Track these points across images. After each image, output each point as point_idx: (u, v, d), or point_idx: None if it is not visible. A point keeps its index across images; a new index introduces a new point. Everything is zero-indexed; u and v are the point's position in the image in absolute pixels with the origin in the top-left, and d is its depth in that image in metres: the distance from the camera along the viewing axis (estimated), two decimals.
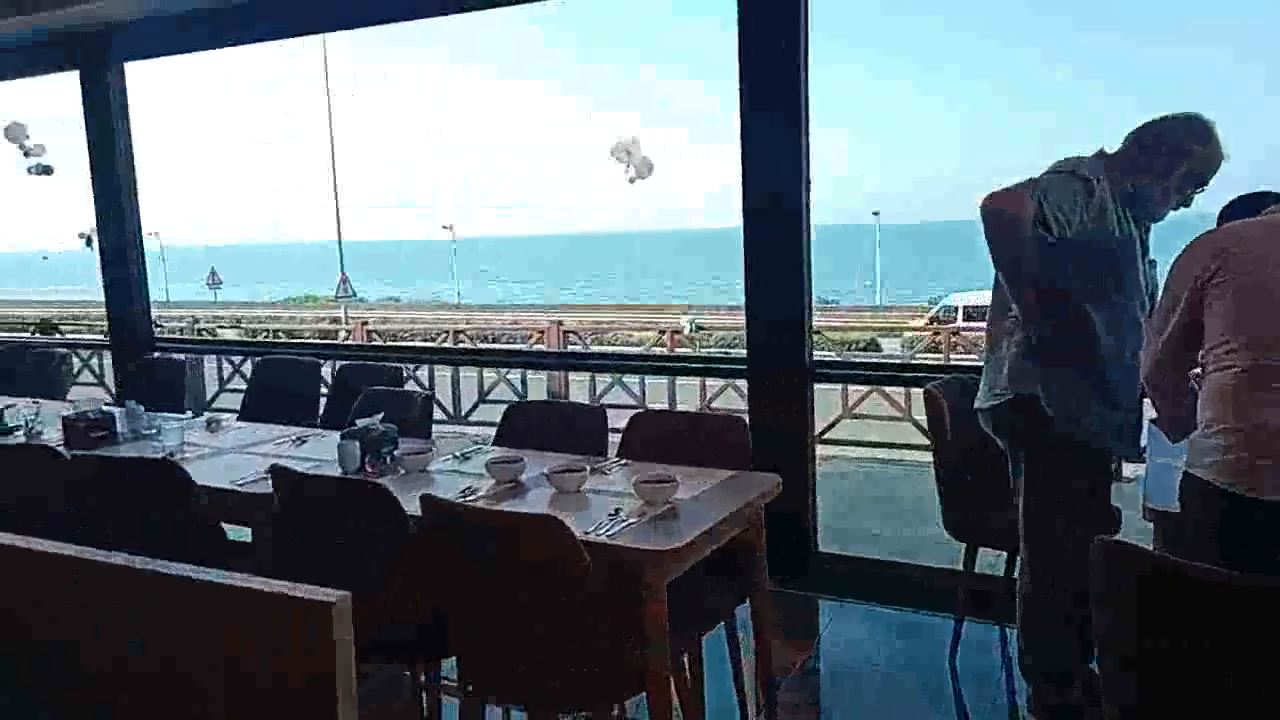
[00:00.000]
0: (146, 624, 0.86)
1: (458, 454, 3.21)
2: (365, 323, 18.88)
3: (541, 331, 12.00)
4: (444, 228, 58.20)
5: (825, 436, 8.22)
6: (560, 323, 12.74)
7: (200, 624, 0.80)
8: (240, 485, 2.92)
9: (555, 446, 3.20)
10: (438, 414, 8.88)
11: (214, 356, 9.66)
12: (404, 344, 14.66)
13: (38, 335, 12.02)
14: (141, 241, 5.88)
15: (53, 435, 3.63)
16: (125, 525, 2.84)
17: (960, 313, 25.88)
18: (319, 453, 3.31)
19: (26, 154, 9.40)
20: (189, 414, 4.13)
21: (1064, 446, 2.65)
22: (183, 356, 4.98)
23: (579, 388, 8.91)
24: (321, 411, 4.38)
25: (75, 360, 9.94)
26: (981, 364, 2.91)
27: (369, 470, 3.04)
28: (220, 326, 27.57)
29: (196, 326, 16.19)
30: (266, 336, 19.03)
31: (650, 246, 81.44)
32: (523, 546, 2.17)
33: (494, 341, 21.35)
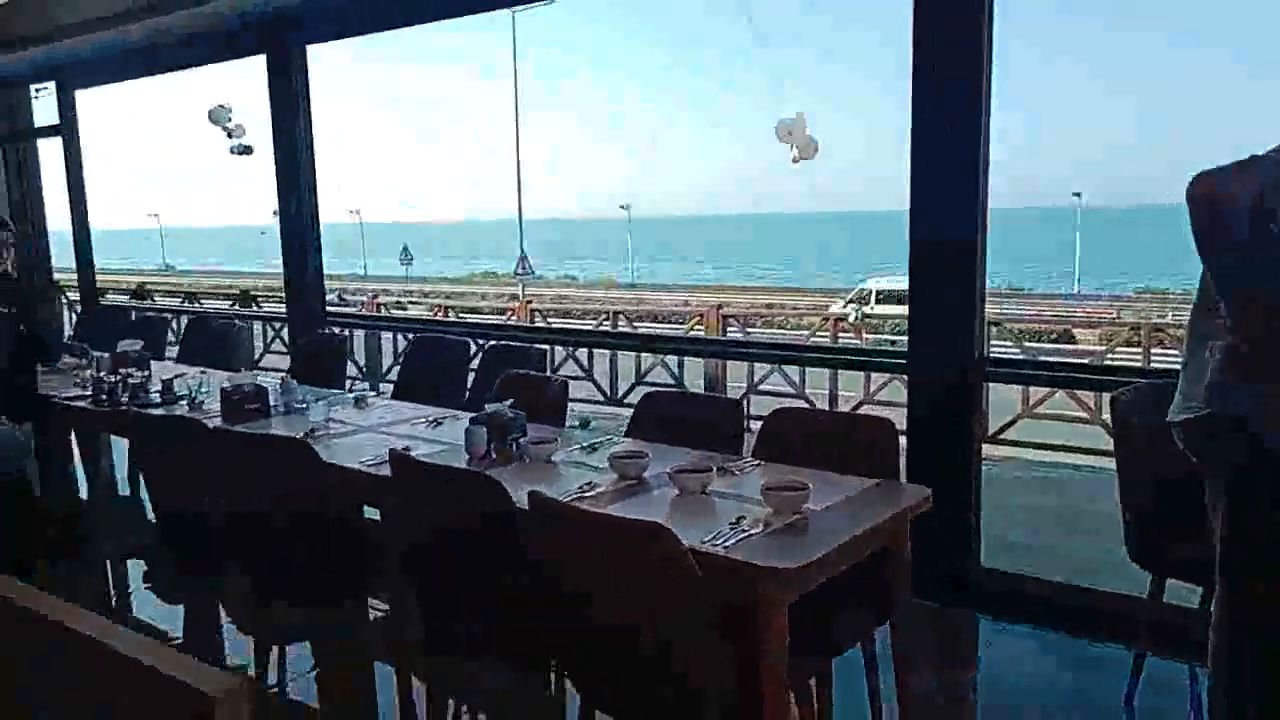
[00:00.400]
0: (45, 673, 0.74)
1: (585, 444, 3.09)
2: (529, 301, 19.24)
3: (701, 315, 11.79)
4: (621, 207, 58.88)
5: (1000, 436, 7.65)
6: (720, 306, 12.47)
7: (95, 691, 0.68)
8: (368, 466, 2.90)
9: (689, 441, 3.02)
10: (595, 394, 8.89)
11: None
12: (552, 326, 14.71)
13: (236, 307, 12.95)
14: (317, 219, 6.10)
15: (216, 405, 3.78)
16: (264, 501, 2.89)
17: (874, 297, 25.53)
18: (452, 435, 3.27)
19: (230, 135, 10.05)
20: (364, 385, 4.22)
21: (1274, 473, 2.23)
22: (345, 332, 5.12)
23: (738, 370, 8.68)
24: (468, 391, 4.39)
25: (268, 331, 10.65)
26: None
27: (494, 457, 2.97)
28: (408, 301, 29.02)
29: (376, 300, 16.88)
30: (439, 314, 19.53)
31: (821, 228, 79.33)
32: (628, 555, 2.01)
33: (663, 322, 21.33)
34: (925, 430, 3.67)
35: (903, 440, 3.28)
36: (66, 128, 7.86)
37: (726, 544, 2.13)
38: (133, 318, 6.54)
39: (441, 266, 55.72)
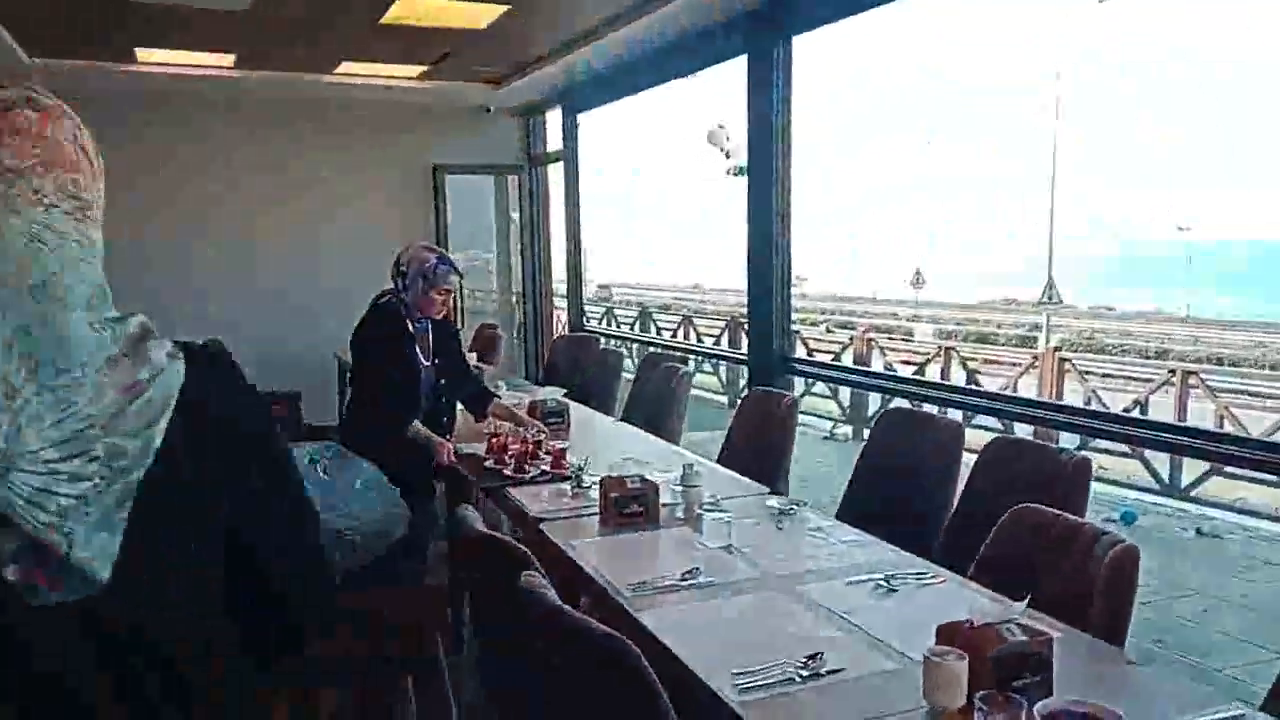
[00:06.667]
0: None
1: None
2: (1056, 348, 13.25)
3: None
4: (1179, 229, 49.79)
5: None
6: None
7: None
8: (736, 682, 1.60)
9: None
10: (1145, 477, 6.56)
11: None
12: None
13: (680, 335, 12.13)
14: (785, 242, 5.00)
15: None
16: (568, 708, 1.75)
17: None
18: (918, 617, 1.82)
19: (727, 156, 9.59)
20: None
21: None
22: (790, 394, 3.84)
23: None
24: (953, 509, 2.86)
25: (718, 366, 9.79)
26: None
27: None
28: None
29: (867, 336, 14.39)
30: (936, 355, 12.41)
31: None
32: None
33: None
34: None
35: None
36: (569, 152, 7.84)
37: None
38: (601, 346, 5.94)
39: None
